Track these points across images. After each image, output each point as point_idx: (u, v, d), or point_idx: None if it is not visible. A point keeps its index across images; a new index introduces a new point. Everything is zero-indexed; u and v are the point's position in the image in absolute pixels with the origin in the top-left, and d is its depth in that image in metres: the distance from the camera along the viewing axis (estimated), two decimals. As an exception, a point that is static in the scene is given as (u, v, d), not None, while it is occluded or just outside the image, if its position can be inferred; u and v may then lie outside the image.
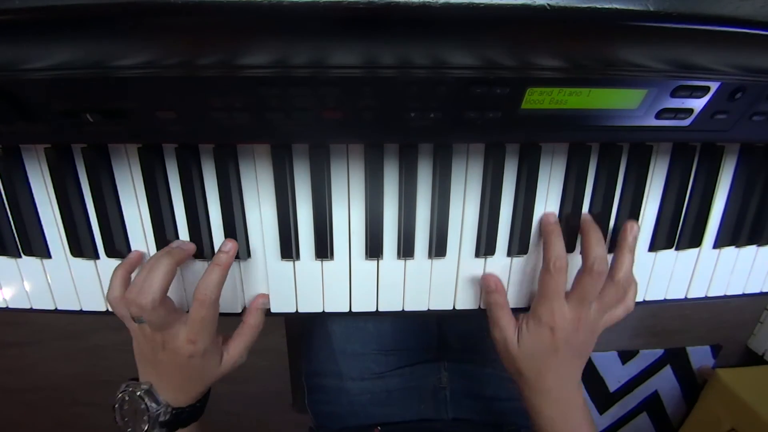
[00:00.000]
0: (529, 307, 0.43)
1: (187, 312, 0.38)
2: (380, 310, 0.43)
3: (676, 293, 0.46)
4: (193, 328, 0.37)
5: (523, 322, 0.40)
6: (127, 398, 0.38)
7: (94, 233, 0.40)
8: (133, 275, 0.39)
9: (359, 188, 0.39)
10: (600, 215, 0.41)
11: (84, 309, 0.43)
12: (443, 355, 0.61)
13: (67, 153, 0.38)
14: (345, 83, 0.29)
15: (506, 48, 0.27)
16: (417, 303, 0.44)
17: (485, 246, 0.41)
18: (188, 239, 0.40)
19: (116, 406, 0.39)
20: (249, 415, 1.20)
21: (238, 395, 1.13)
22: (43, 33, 0.24)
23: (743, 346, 1.28)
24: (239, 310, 0.43)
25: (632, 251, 0.39)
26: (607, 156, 0.40)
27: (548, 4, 0.23)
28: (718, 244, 0.45)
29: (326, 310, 0.43)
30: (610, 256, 0.39)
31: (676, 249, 0.44)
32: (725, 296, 0.47)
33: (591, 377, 1.25)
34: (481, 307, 0.44)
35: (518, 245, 0.41)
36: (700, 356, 1.28)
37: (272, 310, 0.43)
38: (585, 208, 0.41)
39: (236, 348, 0.41)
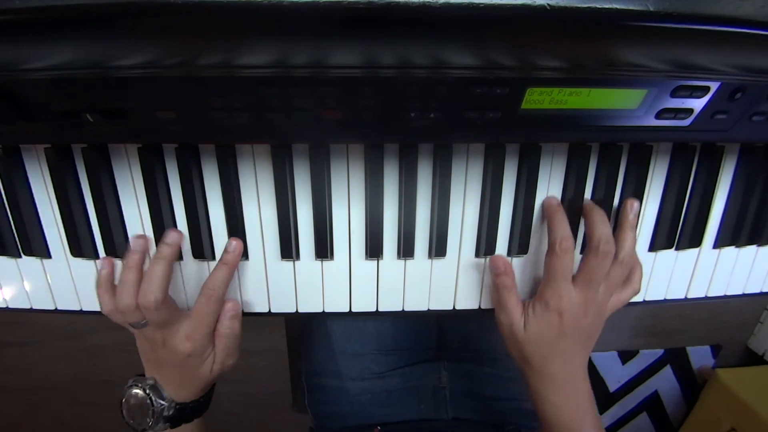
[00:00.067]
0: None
1: (187, 312, 0.39)
2: (380, 310, 0.43)
3: (676, 293, 0.46)
4: (192, 324, 0.38)
5: (530, 306, 0.39)
6: (132, 393, 0.39)
7: (94, 233, 0.40)
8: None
9: (359, 188, 0.39)
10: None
11: (84, 309, 0.43)
12: (443, 354, 0.61)
13: (67, 153, 0.38)
14: (345, 83, 0.29)
15: (506, 48, 0.27)
16: (417, 303, 0.44)
17: (485, 246, 0.41)
18: (188, 239, 0.40)
19: (123, 400, 0.39)
20: (249, 415, 1.20)
21: (238, 395, 1.13)
22: (43, 33, 0.24)
23: (743, 346, 1.28)
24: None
25: (633, 229, 0.39)
26: (607, 156, 0.40)
27: (548, 4, 0.23)
28: (718, 244, 0.45)
29: (326, 310, 0.43)
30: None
31: (676, 249, 0.44)
32: (725, 296, 0.47)
33: (591, 377, 1.24)
34: (481, 307, 0.44)
35: (518, 245, 0.41)
36: (700, 356, 1.28)
37: (272, 310, 0.43)
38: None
39: (219, 353, 0.41)
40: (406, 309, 0.44)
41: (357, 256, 0.41)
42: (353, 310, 0.43)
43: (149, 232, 0.40)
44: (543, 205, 0.41)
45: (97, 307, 0.42)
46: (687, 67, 0.29)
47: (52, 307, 0.43)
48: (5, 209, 0.40)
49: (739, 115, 0.34)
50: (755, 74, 0.30)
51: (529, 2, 0.23)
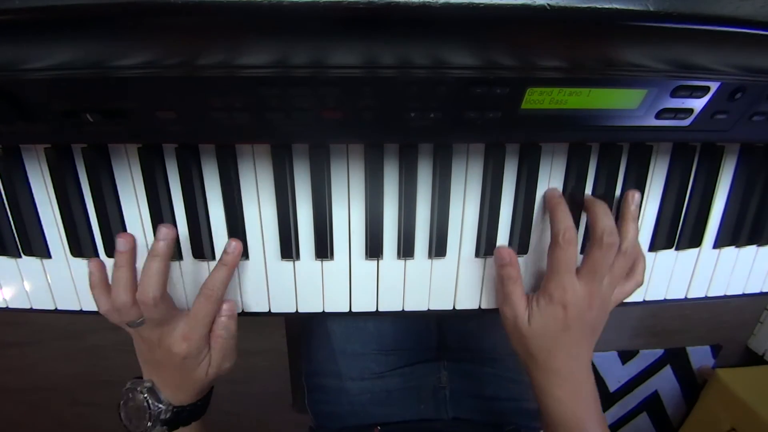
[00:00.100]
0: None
1: (185, 311, 0.39)
2: (380, 310, 0.43)
3: (676, 293, 0.46)
4: (189, 324, 0.38)
5: (533, 300, 0.39)
6: (131, 395, 0.39)
7: (94, 233, 0.40)
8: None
9: (359, 188, 0.39)
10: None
11: (84, 309, 0.43)
12: (443, 354, 0.61)
13: (67, 153, 0.38)
14: (345, 83, 0.29)
15: (506, 48, 0.27)
16: (417, 303, 0.44)
17: (485, 246, 0.41)
18: (188, 239, 0.40)
19: (121, 403, 0.40)
20: (249, 415, 1.20)
21: (238, 395, 1.13)
22: (43, 33, 0.24)
23: (743, 346, 1.28)
24: (239, 310, 0.43)
25: (636, 220, 0.39)
26: (607, 156, 0.40)
27: (548, 4, 0.23)
28: (718, 244, 0.45)
29: (326, 310, 0.43)
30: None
31: (676, 249, 0.44)
32: (725, 296, 0.47)
33: (591, 377, 1.24)
34: (481, 307, 0.44)
35: (518, 245, 0.41)
36: (700, 356, 1.28)
37: (272, 310, 0.43)
38: (585, 208, 0.41)
39: (215, 356, 0.41)
40: (406, 309, 0.44)
41: (357, 256, 0.41)
42: (353, 310, 0.43)
43: (149, 232, 0.40)
44: (544, 197, 0.40)
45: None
46: (687, 67, 0.29)
47: (52, 307, 0.43)
48: (5, 209, 0.40)
49: (739, 115, 0.34)
50: (755, 74, 0.30)
51: (529, 2, 0.23)
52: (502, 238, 0.41)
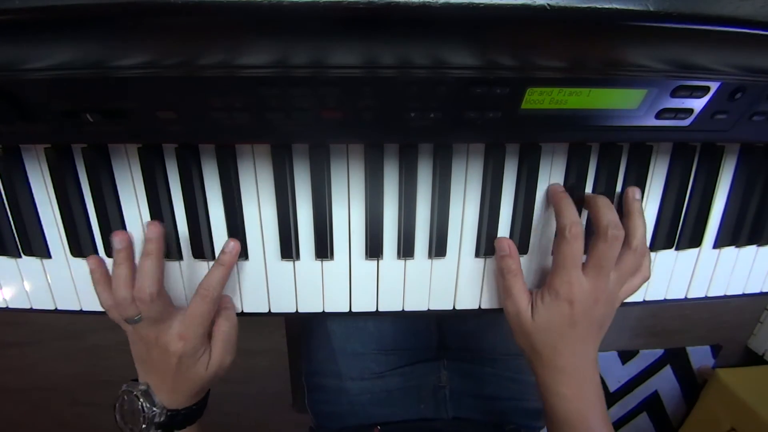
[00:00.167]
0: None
1: (183, 309, 0.39)
2: (380, 310, 0.43)
3: (676, 293, 0.46)
4: (186, 323, 0.38)
5: (538, 296, 0.38)
6: (125, 398, 0.39)
7: (94, 233, 0.40)
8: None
9: (359, 188, 0.39)
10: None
11: (84, 309, 0.43)
12: (443, 354, 0.61)
13: (67, 153, 0.38)
14: (345, 83, 0.29)
15: (506, 48, 0.27)
16: (417, 303, 0.44)
17: (485, 246, 0.41)
18: (188, 239, 0.40)
19: (116, 405, 0.39)
20: (249, 415, 1.20)
21: (238, 395, 1.13)
22: (43, 33, 0.24)
23: (743, 346, 1.28)
24: (239, 310, 0.43)
25: (641, 215, 0.38)
26: (607, 156, 0.40)
27: (548, 4, 0.23)
28: (718, 244, 0.45)
29: (326, 310, 0.43)
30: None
31: (676, 249, 0.44)
32: (725, 296, 0.47)
33: (591, 377, 1.25)
34: (481, 307, 0.44)
35: (518, 245, 0.41)
36: (700, 356, 1.28)
37: (272, 310, 0.43)
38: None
39: (215, 350, 0.41)
40: (406, 309, 0.44)
41: (357, 256, 0.41)
42: (353, 310, 0.43)
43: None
44: (547, 192, 0.40)
45: (97, 307, 0.43)
46: (687, 67, 0.29)
47: (52, 307, 0.43)
48: (5, 209, 0.40)
49: (739, 115, 0.34)
50: (755, 74, 0.30)
51: (529, 2, 0.23)
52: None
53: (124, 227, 0.40)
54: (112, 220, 0.39)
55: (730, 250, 0.46)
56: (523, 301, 0.39)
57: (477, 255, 0.42)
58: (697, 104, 0.32)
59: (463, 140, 0.38)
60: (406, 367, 0.59)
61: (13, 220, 0.40)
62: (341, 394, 0.59)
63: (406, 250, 0.41)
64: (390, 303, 0.43)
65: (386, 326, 0.60)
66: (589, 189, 0.41)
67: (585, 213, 0.41)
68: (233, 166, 0.38)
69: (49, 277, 0.42)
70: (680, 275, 0.46)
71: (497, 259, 0.40)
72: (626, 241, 0.37)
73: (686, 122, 0.34)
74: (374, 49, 0.26)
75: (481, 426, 0.58)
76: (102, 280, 0.39)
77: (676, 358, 1.28)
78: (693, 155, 0.41)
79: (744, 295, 0.48)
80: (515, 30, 0.25)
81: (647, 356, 1.27)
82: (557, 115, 0.32)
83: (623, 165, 0.41)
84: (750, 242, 0.46)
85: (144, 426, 0.38)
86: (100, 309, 0.43)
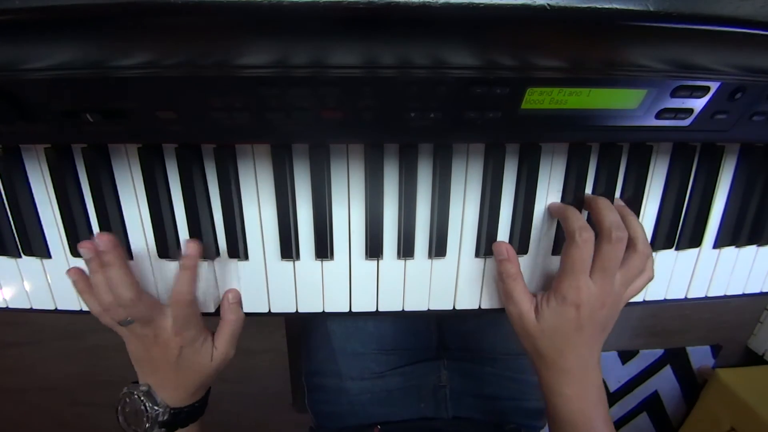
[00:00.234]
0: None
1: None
2: (380, 310, 0.43)
3: (676, 293, 0.46)
4: (177, 324, 0.38)
5: (544, 299, 0.38)
6: (127, 400, 0.39)
7: (94, 233, 0.40)
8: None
9: (359, 188, 0.39)
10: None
11: (84, 309, 0.43)
12: (443, 354, 0.61)
13: (67, 153, 0.38)
14: (345, 83, 0.29)
15: (506, 48, 0.27)
16: (417, 303, 0.44)
17: (485, 246, 0.41)
18: (188, 239, 0.40)
19: (118, 407, 0.39)
20: (249, 415, 1.20)
21: (238, 395, 1.13)
22: (43, 33, 0.24)
23: (743, 346, 1.28)
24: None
25: (635, 216, 0.39)
26: (607, 156, 0.40)
27: (548, 4, 0.23)
28: (718, 244, 0.45)
29: (326, 310, 0.43)
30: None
31: (676, 249, 0.44)
32: (725, 296, 0.47)
33: (591, 377, 1.25)
34: (481, 307, 0.44)
35: (518, 245, 0.41)
36: (700, 356, 1.29)
37: (272, 310, 0.43)
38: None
39: (221, 343, 0.41)
40: (406, 309, 0.44)
41: (357, 256, 0.41)
42: (353, 310, 0.43)
43: (149, 232, 0.40)
44: (549, 210, 0.41)
45: (97, 307, 0.43)
46: (687, 67, 0.29)
47: (52, 307, 0.43)
48: (5, 209, 0.40)
49: (739, 115, 0.34)
50: (755, 74, 0.30)
51: (529, 2, 0.23)
52: (502, 238, 0.41)
53: (124, 227, 0.40)
54: (112, 220, 0.39)
55: (730, 250, 0.46)
56: (525, 303, 0.39)
57: (477, 255, 0.42)
58: (697, 104, 0.32)
59: (463, 140, 0.38)
60: (406, 367, 0.59)
61: (13, 220, 0.40)
62: (341, 394, 0.59)
63: (406, 250, 0.41)
64: (390, 303, 0.43)
65: (386, 326, 0.60)
66: (589, 189, 0.41)
67: (585, 213, 0.41)
68: (233, 166, 0.38)
69: (49, 277, 0.42)
70: (680, 275, 0.46)
71: (496, 263, 0.41)
72: (632, 244, 0.37)
73: (686, 122, 0.34)
74: (374, 49, 0.26)
75: (482, 425, 0.58)
76: (86, 289, 0.38)
77: (676, 358, 1.28)
78: (693, 155, 0.41)
79: (744, 295, 0.48)
80: (515, 30, 0.25)
81: (647, 356, 1.27)
82: (557, 115, 0.32)
83: (623, 165, 0.41)
84: (750, 242, 0.46)
85: (148, 425, 0.38)
86: (100, 309, 0.43)
